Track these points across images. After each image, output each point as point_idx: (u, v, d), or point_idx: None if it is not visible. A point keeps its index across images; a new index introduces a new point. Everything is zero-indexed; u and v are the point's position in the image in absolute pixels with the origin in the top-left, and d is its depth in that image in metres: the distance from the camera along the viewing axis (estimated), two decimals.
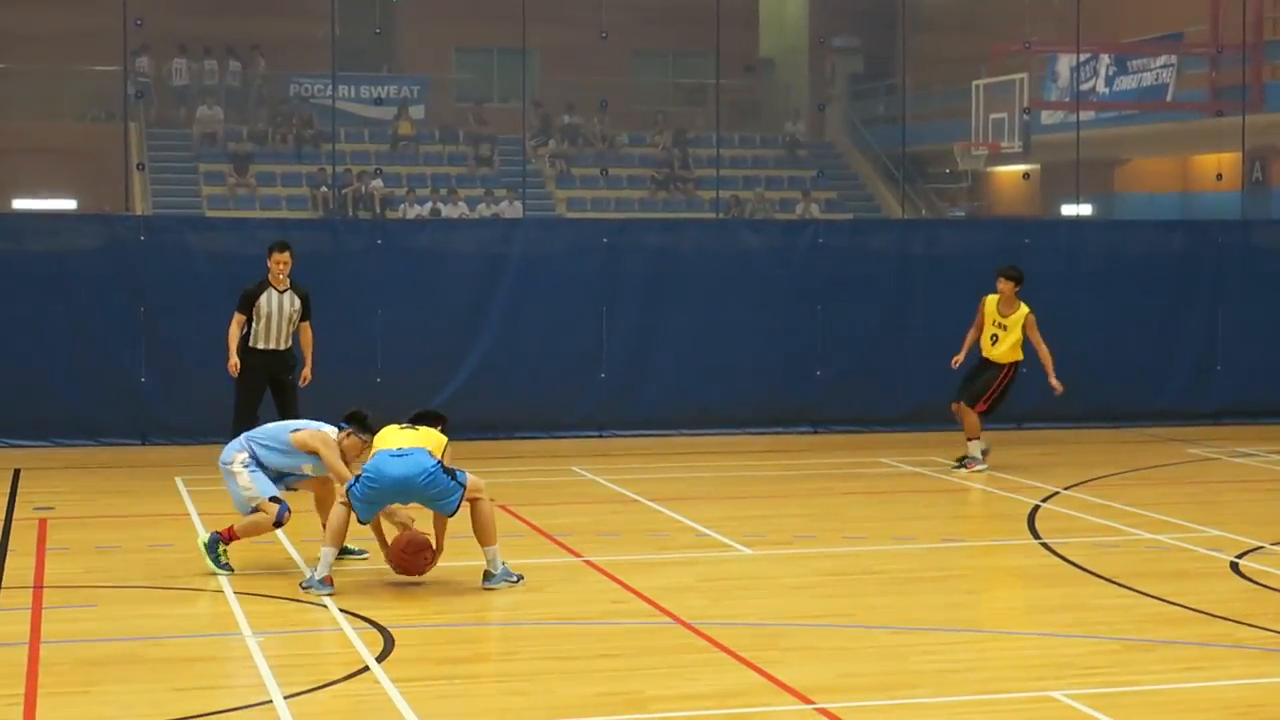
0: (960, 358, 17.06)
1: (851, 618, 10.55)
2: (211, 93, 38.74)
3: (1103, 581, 11.53)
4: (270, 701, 8.54)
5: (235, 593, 11.04)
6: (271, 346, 15.55)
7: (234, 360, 15.42)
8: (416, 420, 11.47)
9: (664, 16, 38.28)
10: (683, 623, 10.25)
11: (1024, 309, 16.94)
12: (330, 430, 11.80)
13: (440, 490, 10.99)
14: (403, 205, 34.14)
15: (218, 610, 10.68)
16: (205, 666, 9.41)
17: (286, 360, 15.64)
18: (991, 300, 17.09)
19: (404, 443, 11.09)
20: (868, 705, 8.58)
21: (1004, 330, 16.96)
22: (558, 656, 9.54)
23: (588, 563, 12.16)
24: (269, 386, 15.64)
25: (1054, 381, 16.85)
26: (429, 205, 34.31)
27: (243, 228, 19.82)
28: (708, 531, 13.41)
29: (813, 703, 8.56)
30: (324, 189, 34.53)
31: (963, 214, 37.07)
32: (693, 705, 8.62)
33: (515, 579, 11.29)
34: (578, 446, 18.50)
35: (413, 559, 11.22)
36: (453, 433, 18.45)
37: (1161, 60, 35.31)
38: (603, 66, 37.67)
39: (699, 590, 11.27)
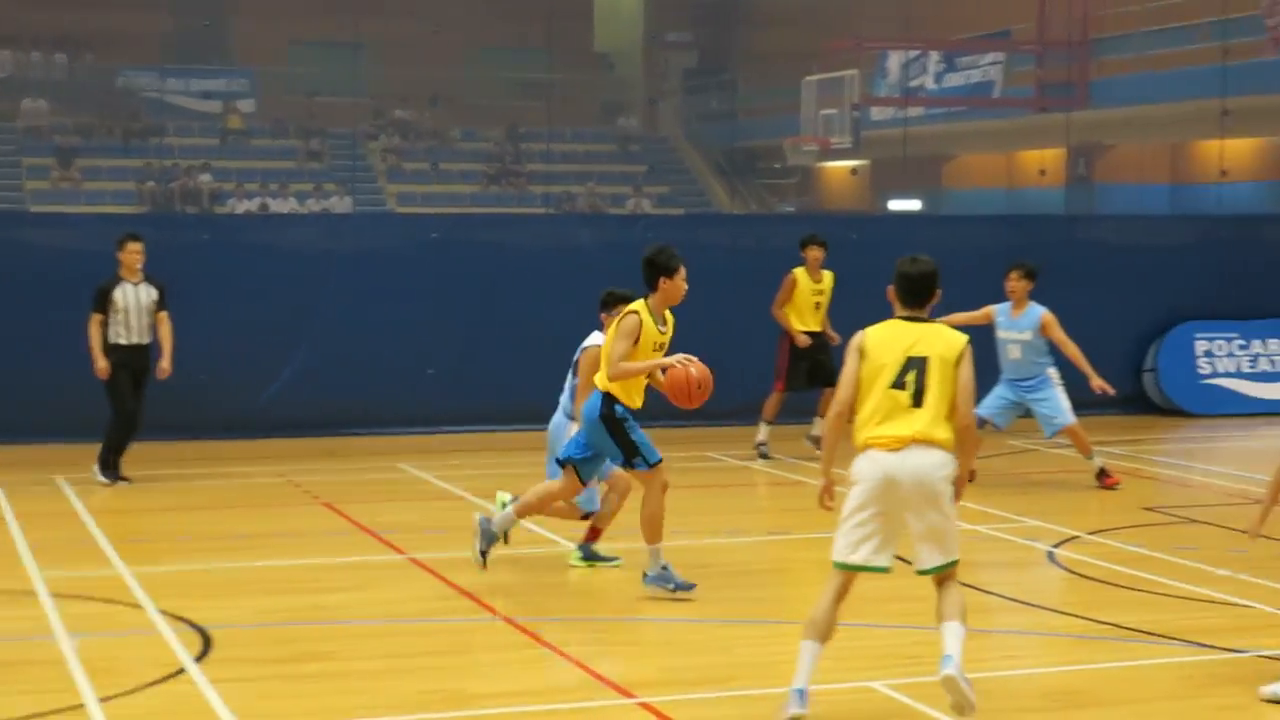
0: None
1: (678, 611, 10.56)
2: (37, 85, 38.04)
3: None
4: (83, 705, 8.38)
5: (51, 594, 10.83)
6: (134, 341, 15.30)
7: (100, 364, 15.12)
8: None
9: (498, 11, 38.20)
10: (508, 620, 10.22)
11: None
12: None
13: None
14: (231, 200, 33.75)
15: (32, 613, 10.46)
16: (16, 670, 9.22)
17: (148, 355, 15.39)
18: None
19: None
20: (690, 698, 8.61)
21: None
22: (380, 655, 9.47)
23: (413, 560, 12.08)
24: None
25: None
26: (258, 200, 33.96)
27: (67, 223, 19.47)
28: (535, 528, 13.35)
29: (635, 697, 8.57)
30: (151, 183, 34.04)
31: (792, 209, 37.38)
32: (516, 702, 8.59)
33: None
34: (406, 443, 18.36)
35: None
36: (281, 430, 18.43)
37: (989, 58, 35.83)
38: (436, 61, 37.52)
39: (525, 587, 11.24)
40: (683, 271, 11.22)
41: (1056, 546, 12.53)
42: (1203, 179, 29.46)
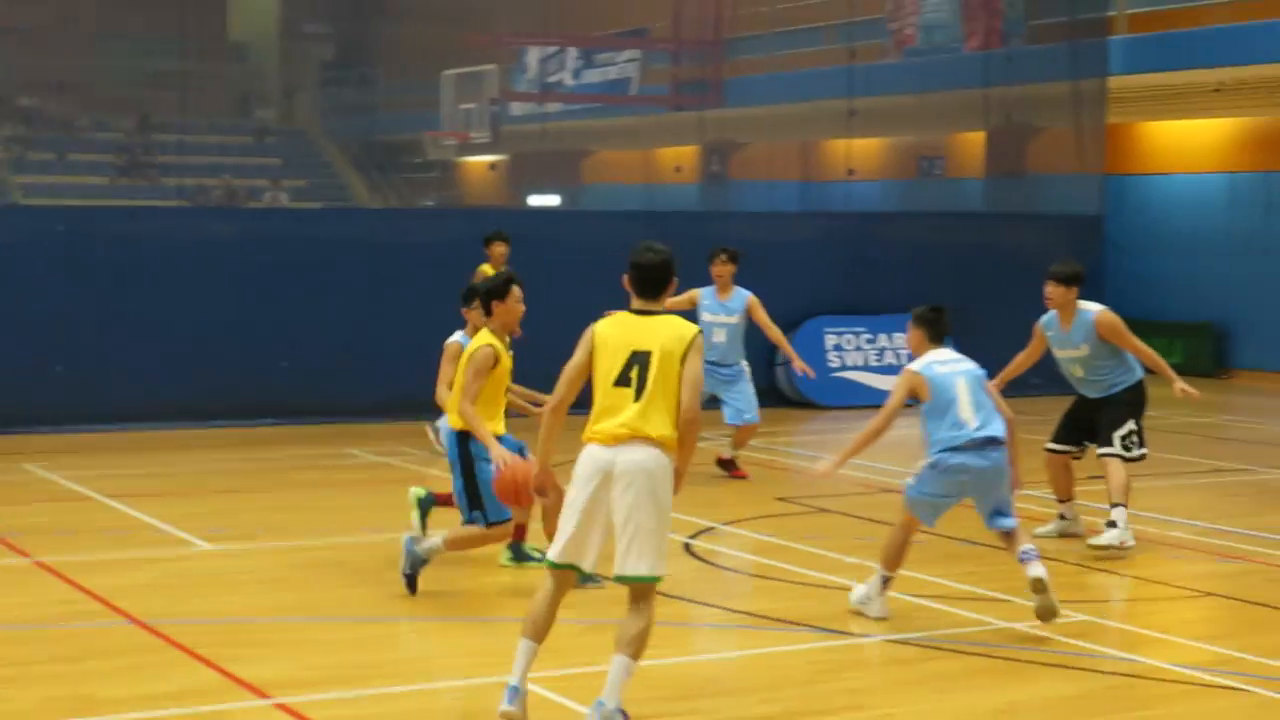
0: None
1: (316, 610, 10.43)
2: None
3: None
4: None
5: None
6: None
7: None
8: None
9: None
10: (139, 622, 9.95)
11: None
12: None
13: None
14: None
15: None
16: None
17: None
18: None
19: None
20: (326, 698, 8.51)
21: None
22: (9, 662, 9.12)
23: (38, 563, 11.68)
24: None
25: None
26: None
27: None
28: (167, 528, 13.06)
29: (270, 697, 8.43)
30: None
31: (433, 203, 37.28)
32: (147, 706, 8.37)
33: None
34: (32, 443, 17.75)
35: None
36: None
37: (626, 55, 36.26)
38: (63, 48, 36.37)
39: (156, 588, 10.96)
40: (516, 291, 10.70)
41: (692, 538, 12.73)
42: (831, 177, 30.24)
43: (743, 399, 15.67)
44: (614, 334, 8.08)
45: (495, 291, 10.61)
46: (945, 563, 11.94)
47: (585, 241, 21.32)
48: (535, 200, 29.04)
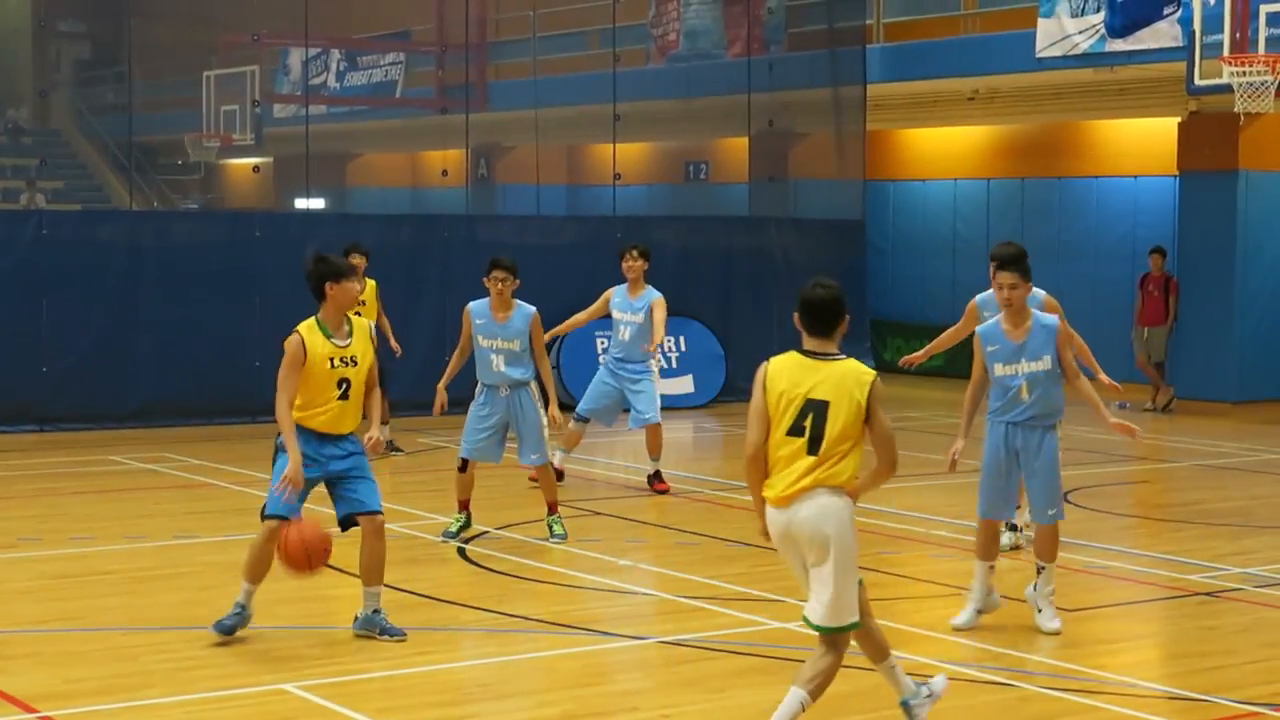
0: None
1: (80, 620, 10.22)
2: None
3: (336, 572, 11.60)
4: None
5: None
6: None
7: None
8: None
9: None
10: None
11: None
12: None
13: None
14: None
15: None
16: None
17: None
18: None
19: None
20: (97, 709, 8.35)
21: None
22: None
23: None
24: None
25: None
26: None
27: None
28: None
29: (37, 711, 8.24)
30: None
31: (195, 205, 36.70)
32: None
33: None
34: None
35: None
36: None
37: (390, 58, 36.03)
38: None
39: None
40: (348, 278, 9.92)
41: (466, 543, 12.71)
42: (599, 181, 30.38)
43: (645, 399, 15.54)
44: (785, 376, 7.57)
45: (333, 274, 9.78)
46: (718, 564, 12.06)
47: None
48: (300, 203, 28.71)
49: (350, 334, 9.89)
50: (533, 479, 14.29)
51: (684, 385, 22.44)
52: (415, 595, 10.89)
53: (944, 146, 27.91)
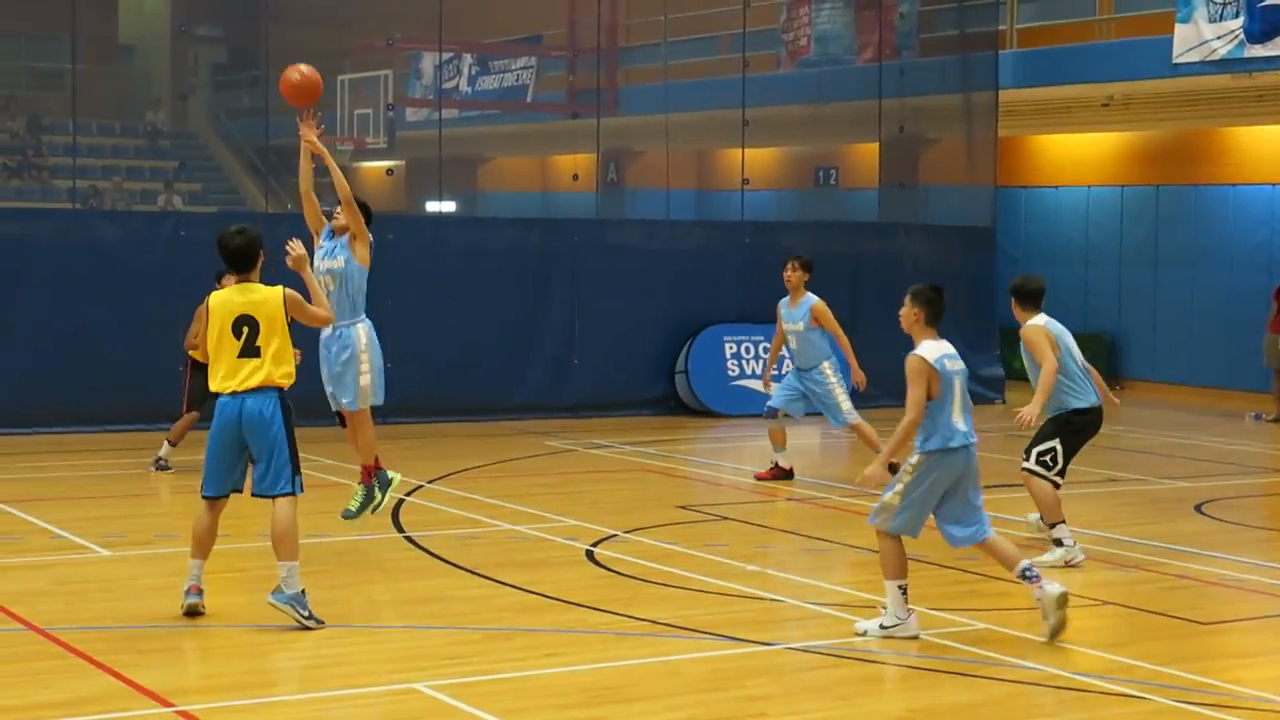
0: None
1: (214, 617, 10.34)
2: None
3: (465, 573, 11.71)
4: None
5: None
6: None
7: None
8: None
9: None
10: (35, 629, 9.84)
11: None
12: None
13: None
14: None
15: None
16: None
17: None
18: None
19: None
20: (230, 705, 8.44)
21: None
22: None
23: None
24: None
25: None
26: None
27: None
28: (63, 533, 12.93)
29: (173, 705, 8.36)
30: None
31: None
32: (46, 714, 8.27)
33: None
34: None
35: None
36: None
37: (522, 62, 36.21)
38: None
39: (53, 594, 10.84)
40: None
41: (595, 545, 12.75)
42: (727, 186, 30.36)
43: (823, 399, 16.11)
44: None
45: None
46: (847, 570, 12.03)
47: (482, 248, 21.31)
48: (432, 206, 28.93)
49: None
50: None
51: None
52: (544, 597, 10.94)
53: (1077, 153, 27.62)
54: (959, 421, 10.04)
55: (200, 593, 10.21)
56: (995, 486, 16.16)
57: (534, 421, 20.64)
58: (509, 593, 11.05)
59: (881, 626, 9.92)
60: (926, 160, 27.26)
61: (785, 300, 16.29)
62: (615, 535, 13.21)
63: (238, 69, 41.82)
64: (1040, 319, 12.93)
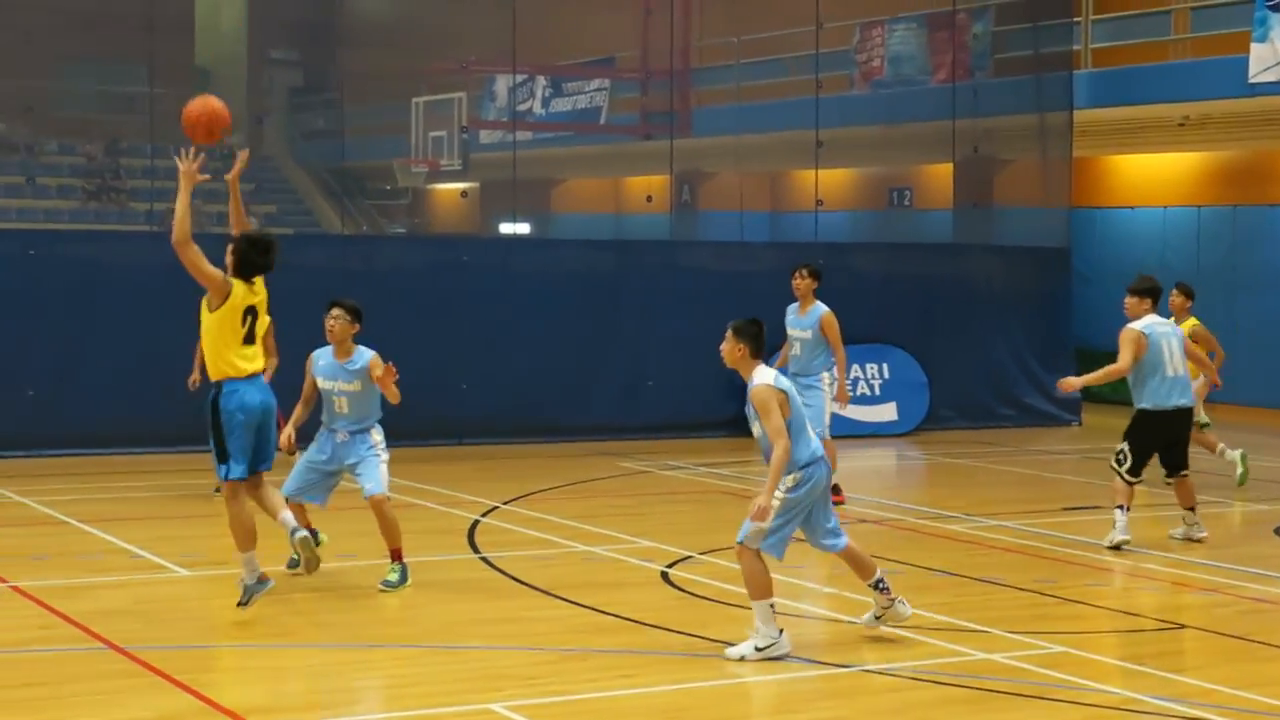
0: None
1: (290, 636, 10.42)
2: None
3: (540, 593, 11.74)
4: None
5: None
6: None
7: None
8: None
9: (93, 22, 37.12)
10: (115, 647, 9.93)
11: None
12: None
13: None
14: None
15: None
16: None
17: None
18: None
19: None
20: None
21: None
22: None
23: (14, 588, 11.64)
24: None
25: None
26: None
27: None
28: (142, 553, 13.05)
29: None
30: None
31: (403, 230, 37.27)
32: None
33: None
34: (5, 467, 17.69)
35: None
36: None
37: (595, 84, 36.31)
38: (27, 71, 36.26)
39: (132, 613, 10.93)
40: None
41: (669, 567, 12.76)
42: (800, 207, 30.35)
43: (813, 413, 15.72)
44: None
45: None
46: (921, 593, 11.98)
47: (554, 270, 21.38)
48: (506, 228, 29.06)
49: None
50: None
51: (887, 413, 22.32)
52: (618, 618, 10.95)
53: (1152, 173, 27.46)
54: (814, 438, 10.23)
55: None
56: (1074, 510, 16.11)
57: (607, 443, 20.66)
58: (584, 613, 11.07)
59: (757, 649, 9.89)
60: (1001, 181, 27.17)
61: (794, 307, 16.26)
62: (689, 557, 13.21)
63: (312, 92, 42.10)
64: (1141, 321, 13.80)
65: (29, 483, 16.74)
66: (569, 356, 20.91)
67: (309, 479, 12.04)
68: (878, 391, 22.28)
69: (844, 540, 10.36)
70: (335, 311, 12.30)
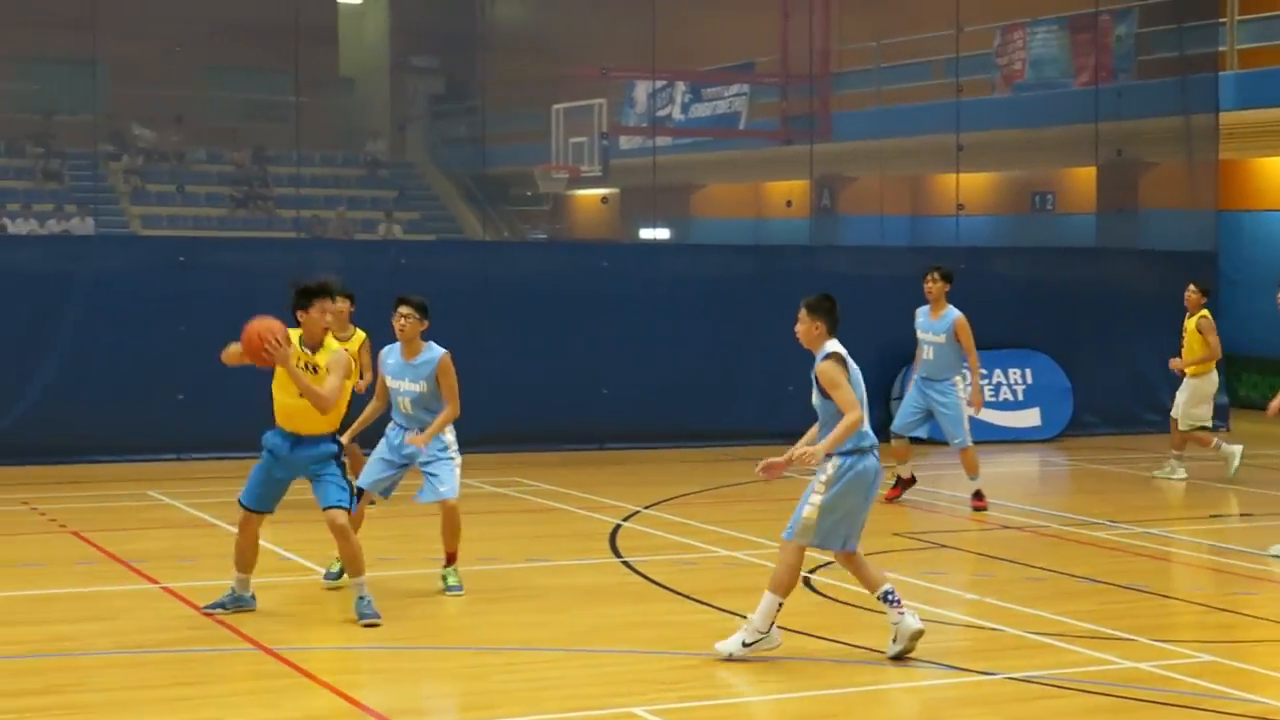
0: None
1: (435, 639, 10.52)
2: None
3: (682, 598, 11.77)
4: None
5: None
6: None
7: None
8: None
9: (240, 32, 37.65)
10: (263, 648, 10.08)
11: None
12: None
13: None
14: None
15: None
16: None
17: None
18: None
19: None
20: None
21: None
22: (132, 686, 9.27)
23: (165, 589, 11.86)
24: None
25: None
26: None
27: None
28: (289, 555, 13.23)
29: None
30: None
31: (544, 236, 37.49)
32: None
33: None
34: (155, 470, 18.01)
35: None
36: (23, 457, 17.96)
37: (734, 89, 36.32)
38: (177, 81, 36.90)
39: (279, 614, 11.09)
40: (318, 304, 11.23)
41: (811, 572, 12.72)
42: (941, 211, 30.19)
43: (950, 420, 15.91)
44: None
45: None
46: (1066, 600, 11.88)
47: (694, 275, 21.39)
48: (646, 234, 29.16)
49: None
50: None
51: (1030, 418, 22.12)
52: None
53: None
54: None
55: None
56: (1220, 517, 15.90)
57: (748, 447, 20.62)
58: (726, 618, 11.08)
59: (744, 644, 9.81)
60: (1145, 184, 26.86)
61: (925, 310, 16.20)
62: (831, 563, 13.15)
63: (454, 99, 42.48)
64: None
65: (178, 485, 17.02)
66: (709, 361, 20.91)
67: (383, 472, 12.00)
68: (1021, 397, 22.08)
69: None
70: (404, 310, 12.02)
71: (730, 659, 9.80)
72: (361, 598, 10.80)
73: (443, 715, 8.78)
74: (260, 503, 10.98)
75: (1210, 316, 18.04)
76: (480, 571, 12.59)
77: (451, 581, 11.86)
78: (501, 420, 19.61)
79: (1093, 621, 11.08)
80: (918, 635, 9.89)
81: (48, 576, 12.35)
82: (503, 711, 8.89)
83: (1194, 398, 18.08)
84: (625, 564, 13.10)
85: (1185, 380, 18.15)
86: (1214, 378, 18.25)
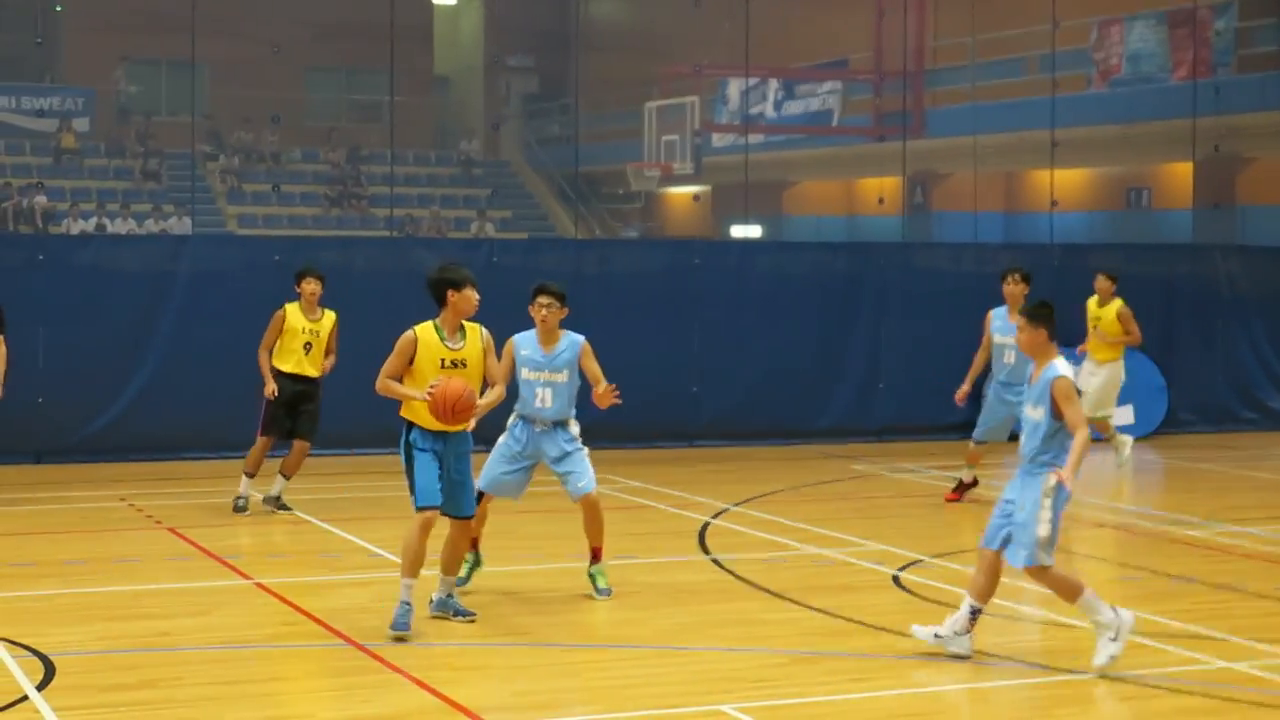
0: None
1: (526, 636, 10.56)
2: None
3: (771, 596, 11.76)
4: None
5: None
6: None
7: None
8: None
9: (336, 32, 37.97)
10: (355, 644, 10.15)
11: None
12: None
13: None
14: (66, 220, 33.23)
15: None
16: None
17: None
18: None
19: None
20: None
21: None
22: (226, 681, 9.36)
23: (258, 585, 11.97)
24: None
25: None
26: (94, 220, 33.47)
27: None
28: (380, 551, 13.32)
29: None
30: None
31: (636, 234, 37.55)
32: None
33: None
34: None
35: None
36: (121, 454, 18.18)
37: (827, 86, 36.25)
38: (274, 82, 37.21)
39: (372, 611, 11.15)
40: (469, 286, 10.85)
41: (901, 570, 12.69)
42: (1035, 208, 30.00)
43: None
44: None
45: (453, 282, 10.94)
46: (1160, 599, 11.78)
47: (786, 272, 21.35)
48: (737, 231, 29.15)
49: (463, 339, 10.78)
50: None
51: (1124, 416, 21.90)
52: (851, 622, 10.92)
53: None
54: None
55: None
56: None
57: (839, 445, 20.62)
58: (816, 617, 11.06)
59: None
60: (1244, 180, 26.59)
61: (1002, 312, 15.94)
62: (921, 560, 13.13)
63: (548, 98, 42.64)
64: None
65: (272, 483, 17.13)
66: (801, 359, 20.88)
67: (505, 472, 11.76)
68: None
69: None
70: (544, 299, 11.56)
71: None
72: (451, 595, 10.89)
73: (533, 712, 8.81)
74: (447, 503, 10.72)
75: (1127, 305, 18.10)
76: (570, 569, 12.62)
77: (601, 584, 11.59)
78: (592, 417, 19.63)
79: (1186, 621, 10.98)
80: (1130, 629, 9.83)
81: (144, 572, 12.50)
82: (593, 709, 8.91)
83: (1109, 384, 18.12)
84: (714, 561, 13.11)
85: (1097, 366, 18.16)
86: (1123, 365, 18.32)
